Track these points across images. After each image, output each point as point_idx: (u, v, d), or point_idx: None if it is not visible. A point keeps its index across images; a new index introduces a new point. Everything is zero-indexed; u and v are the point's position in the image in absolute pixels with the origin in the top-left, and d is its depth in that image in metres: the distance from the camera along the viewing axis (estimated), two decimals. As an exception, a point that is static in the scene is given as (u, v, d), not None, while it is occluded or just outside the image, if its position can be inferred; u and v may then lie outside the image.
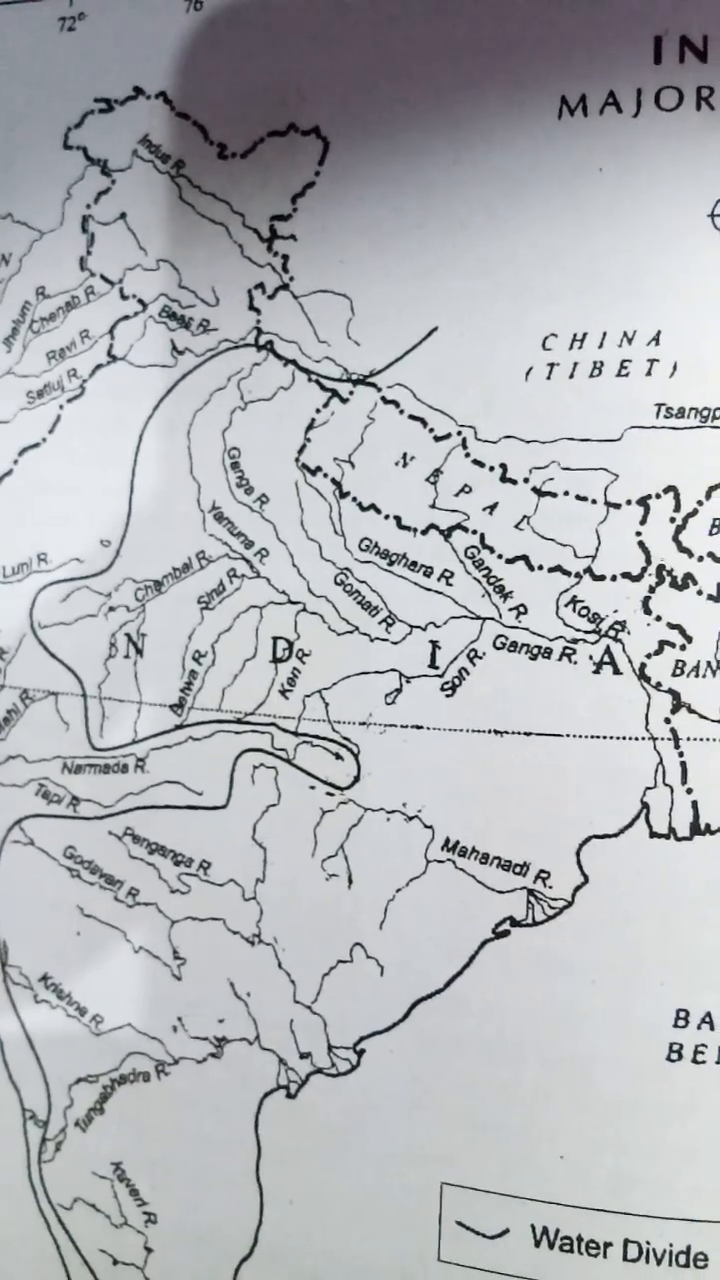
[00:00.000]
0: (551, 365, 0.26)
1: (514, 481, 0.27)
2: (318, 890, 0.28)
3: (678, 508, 0.25)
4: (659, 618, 0.26)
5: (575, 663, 0.26)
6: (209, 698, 0.29)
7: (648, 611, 0.26)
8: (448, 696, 0.27)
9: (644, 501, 0.26)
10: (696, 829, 0.25)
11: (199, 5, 0.30)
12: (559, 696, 0.26)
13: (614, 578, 0.26)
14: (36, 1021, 0.31)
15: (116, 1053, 0.30)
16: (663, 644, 0.25)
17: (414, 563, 0.27)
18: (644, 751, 0.25)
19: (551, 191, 0.26)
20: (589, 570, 0.26)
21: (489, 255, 0.27)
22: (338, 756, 0.28)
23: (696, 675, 0.25)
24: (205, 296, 0.30)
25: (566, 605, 0.26)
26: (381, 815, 0.28)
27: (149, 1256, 0.30)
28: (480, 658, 0.27)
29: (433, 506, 0.27)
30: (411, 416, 0.28)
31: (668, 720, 0.25)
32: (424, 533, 0.27)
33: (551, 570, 0.26)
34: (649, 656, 0.26)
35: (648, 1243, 0.25)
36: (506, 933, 0.26)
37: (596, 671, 0.26)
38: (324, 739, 0.28)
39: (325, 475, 0.28)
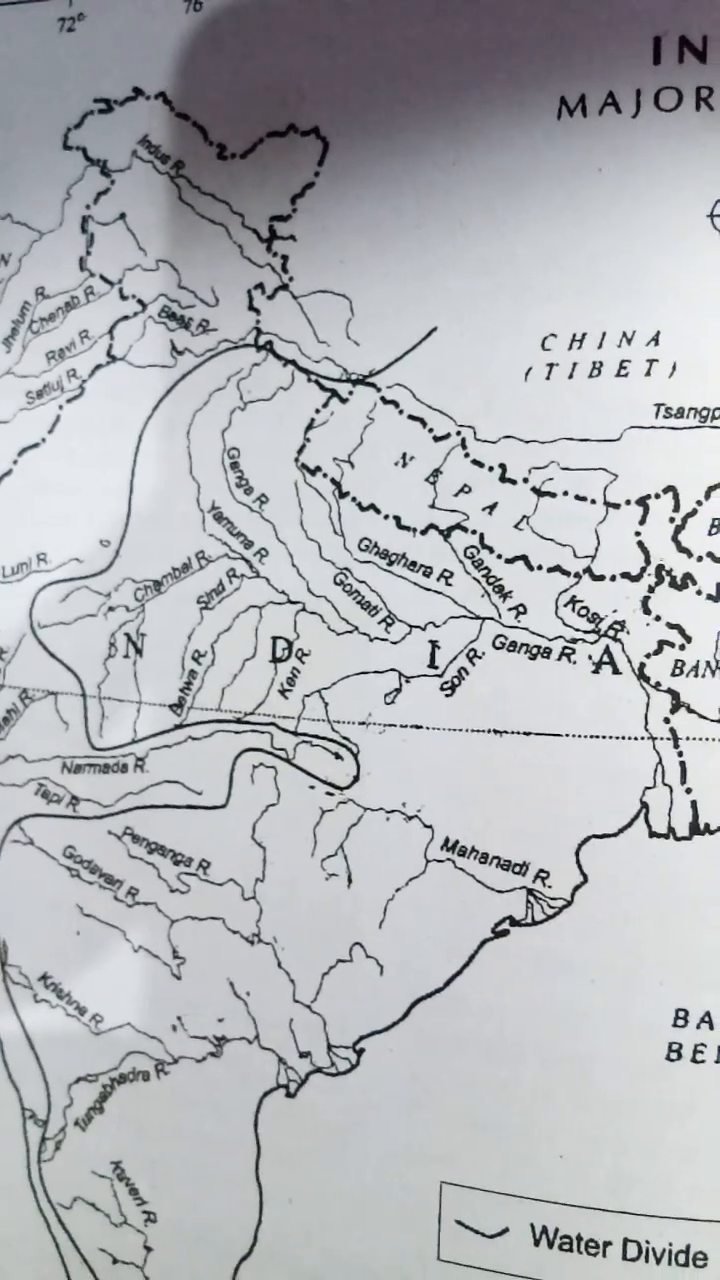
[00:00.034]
0: (551, 365, 0.26)
1: (513, 481, 0.27)
2: (317, 890, 0.28)
3: (677, 508, 0.25)
4: (658, 617, 0.26)
5: (575, 662, 0.26)
6: (208, 697, 0.29)
7: (647, 611, 0.26)
8: (447, 696, 0.27)
9: (643, 501, 0.26)
10: (696, 829, 0.25)
11: (199, 5, 0.30)
12: (558, 696, 0.26)
13: (613, 578, 0.26)
14: (36, 1021, 0.31)
15: (116, 1052, 0.30)
16: (662, 644, 0.26)
17: (413, 563, 0.27)
18: (643, 751, 0.25)
19: (551, 192, 0.26)
20: (588, 570, 0.26)
21: (488, 255, 0.27)
22: (337, 756, 0.28)
23: (696, 675, 0.25)
24: (205, 297, 0.30)
25: (566, 605, 0.26)
26: (381, 815, 0.28)
27: (148, 1255, 0.30)
28: (480, 657, 0.27)
29: (432, 506, 0.27)
30: (411, 416, 0.28)
31: (667, 720, 0.25)
32: (423, 533, 0.27)
33: (551, 570, 0.26)
34: (648, 656, 0.26)
35: (647, 1242, 0.25)
36: (506, 932, 0.26)
37: (596, 671, 0.26)
38: (323, 739, 0.28)
39: (325, 475, 0.28)
